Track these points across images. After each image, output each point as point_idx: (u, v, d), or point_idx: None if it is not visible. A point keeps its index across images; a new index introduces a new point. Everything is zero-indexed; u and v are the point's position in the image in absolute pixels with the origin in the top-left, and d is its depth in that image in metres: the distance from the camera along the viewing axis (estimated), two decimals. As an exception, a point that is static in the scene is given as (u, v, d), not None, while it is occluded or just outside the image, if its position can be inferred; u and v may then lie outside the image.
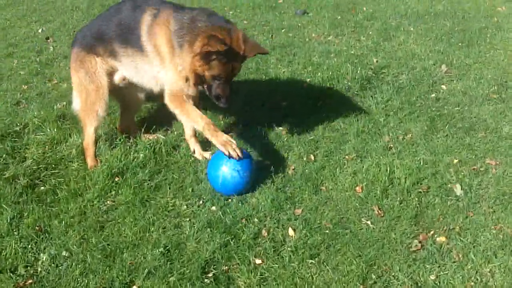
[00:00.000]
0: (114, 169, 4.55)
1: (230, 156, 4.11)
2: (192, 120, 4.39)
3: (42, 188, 4.40)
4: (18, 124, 5.41)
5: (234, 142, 4.20)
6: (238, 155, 4.10)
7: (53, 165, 4.67)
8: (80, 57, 4.70)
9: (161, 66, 4.45)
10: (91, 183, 4.42)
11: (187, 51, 4.20)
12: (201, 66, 4.16)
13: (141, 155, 4.77)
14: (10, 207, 4.07)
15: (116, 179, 4.47)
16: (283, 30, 8.85)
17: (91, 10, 10.00)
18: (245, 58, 4.32)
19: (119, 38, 4.57)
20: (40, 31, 9.18)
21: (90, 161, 4.70)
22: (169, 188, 4.39)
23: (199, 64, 4.16)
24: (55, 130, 5.16)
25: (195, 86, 4.40)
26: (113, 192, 4.33)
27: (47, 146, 4.96)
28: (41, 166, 4.63)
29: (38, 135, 5.16)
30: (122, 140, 4.98)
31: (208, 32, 4.13)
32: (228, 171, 4.17)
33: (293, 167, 4.72)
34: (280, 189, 4.38)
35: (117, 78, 4.78)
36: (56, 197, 4.27)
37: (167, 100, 4.50)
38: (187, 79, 4.36)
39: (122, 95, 5.06)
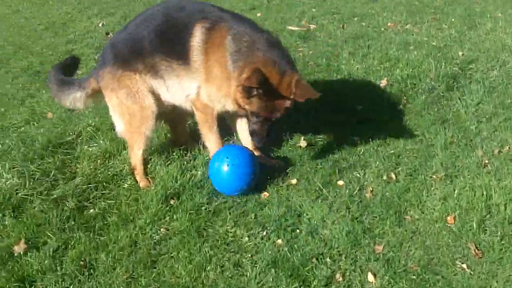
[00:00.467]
0: (169, 190, 4.08)
1: None
2: (210, 141, 4.31)
3: (91, 211, 3.99)
4: (71, 133, 5.09)
5: None
6: None
7: (104, 184, 4.26)
8: (117, 76, 4.19)
9: (205, 82, 4.09)
10: (143, 206, 3.96)
11: (235, 78, 3.90)
12: (242, 98, 3.88)
13: (199, 172, 4.29)
14: (55, 236, 3.68)
15: (171, 202, 4.00)
16: (355, 19, 8.15)
17: (154, 1, 9.58)
18: (294, 102, 3.91)
19: (161, 51, 4.12)
20: (100, 25, 8.90)
21: (141, 181, 4.27)
22: (229, 214, 3.87)
23: (240, 95, 3.88)
24: (108, 141, 4.75)
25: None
26: (167, 218, 3.86)
27: (99, 161, 4.57)
28: (91, 185, 4.23)
29: (91, 146, 4.79)
30: (178, 154, 4.51)
31: (256, 65, 3.76)
32: (218, 165, 4.02)
33: (371, 189, 4.09)
34: (357, 218, 3.77)
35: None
36: (105, 223, 3.85)
37: (198, 110, 4.23)
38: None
39: (166, 113, 4.54)
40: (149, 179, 4.29)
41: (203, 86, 4.09)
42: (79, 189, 4.18)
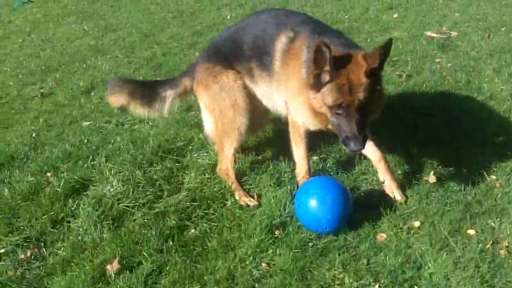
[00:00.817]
0: (275, 218, 3.73)
1: None
2: (296, 158, 4.05)
3: (192, 232, 3.75)
4: (183, 138, 4.90)
5: None
6: None
7: (209, 202, 4.01)
8: (214, 72, 4.10)
9: (288, 96, 3.85)
10: (245, 234, 3.64)
11: (308, 84, 3.52)
12: (315, 98, 3.45)
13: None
14: (151, 257, 3.48)
15: (276, 233, 3.65)
16: (503, 29, 7.22)
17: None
18: (373, 75, 3.37)
19: (255, 57, 3.99)
20: (228, 17, 8.71)
21: (236, 191, 4.05)
22: (338, 256, 3.43)
23: (312, 95, 3.46)
24: (218, 151, 4.50)
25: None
26: (270, 252, 3.50)
27: (206, 173, 4.33)
28: (194, 202, 3.99)
29: (200, 155, 4.58)
30: (289, 175, 4.14)
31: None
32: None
33: (507, 244, 3.44)
34: (487, 281, 3.16)
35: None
36: (205, 248, 3.58)
37: (289, 124, 4.03)
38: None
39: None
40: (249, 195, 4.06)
41: (286, 98, 3.87)
42: (183, 205, 3.96)
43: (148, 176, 4.34)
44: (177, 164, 4.50)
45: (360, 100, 3.33)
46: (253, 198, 3.98)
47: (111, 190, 4.10)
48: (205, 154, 4.59)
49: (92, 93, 6.56)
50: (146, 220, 3.84)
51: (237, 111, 4.04)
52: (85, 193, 4.17)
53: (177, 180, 4.32)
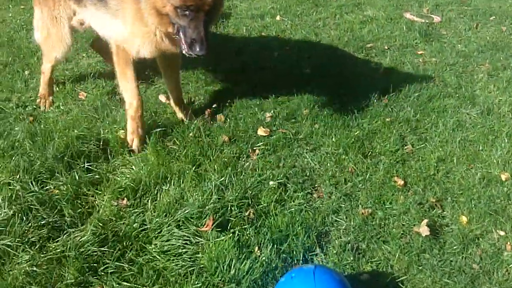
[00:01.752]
0: (221, 277, 2.67)
1: None
2: (124, 89, 3.73)
3: (96, 295, 2.63)
4: (98, 136, 3.77)
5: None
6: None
7: (124, 244, 2.87)
8: None
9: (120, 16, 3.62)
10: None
11: None
12: None
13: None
14: None
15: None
16: (492, 18, 6.38)
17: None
18: None
19: None
20: None
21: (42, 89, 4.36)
22: None
23: None
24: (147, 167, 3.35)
25: (166, 35, 3.46)
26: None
27: (125, 197, 3.20)
28: (104, 246, 2.85)
29: (119, 168, 3.45)
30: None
31: None
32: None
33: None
34: None
35: (75, 22, 4.12)
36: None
37: (113, 55, 3.74)
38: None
39: None
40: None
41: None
42: (88, 249, 2.82)
43: (46, 194, 3.16)
44: (87, 177, 3.32)
45: (209, 5, 3.16)
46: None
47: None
48: (125, 167, 3.43)
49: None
50: (34, 268, 2.69)
51: (57, 40, 4.12)
52: None
53: (85, 203, 3.16)
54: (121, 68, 3.67)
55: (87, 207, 3.13)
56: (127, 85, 3.69)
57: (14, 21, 6.19)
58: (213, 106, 4.25)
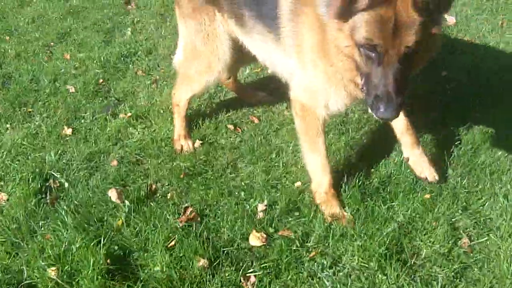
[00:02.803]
0: None
1: None
2: (311, 162, 3.03)
3: None
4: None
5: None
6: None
7: None
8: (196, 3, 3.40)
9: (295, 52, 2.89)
10: None
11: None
12: (340, 29, 2.41)
13: None
14: None
15: None
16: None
17: None
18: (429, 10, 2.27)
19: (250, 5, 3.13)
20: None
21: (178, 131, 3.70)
22: None
23: (337, 25, 2.42)
24: None
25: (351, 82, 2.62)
26: None
27: None
28: None
29: None
30: None
31: None
32: None
33: None
34: None
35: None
36: None
37: (292, 106, 3.05)
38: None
39: None
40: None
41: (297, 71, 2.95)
42: None
43: None
44: None
45: (407, 46, 2.30)
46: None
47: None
48: None
49: None
50: None
51: (211, 62, 3.43)
52: None
53: None
54: (310, 137, 2.98)
55: None
56: (317, 159, 3.01)
57: None
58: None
